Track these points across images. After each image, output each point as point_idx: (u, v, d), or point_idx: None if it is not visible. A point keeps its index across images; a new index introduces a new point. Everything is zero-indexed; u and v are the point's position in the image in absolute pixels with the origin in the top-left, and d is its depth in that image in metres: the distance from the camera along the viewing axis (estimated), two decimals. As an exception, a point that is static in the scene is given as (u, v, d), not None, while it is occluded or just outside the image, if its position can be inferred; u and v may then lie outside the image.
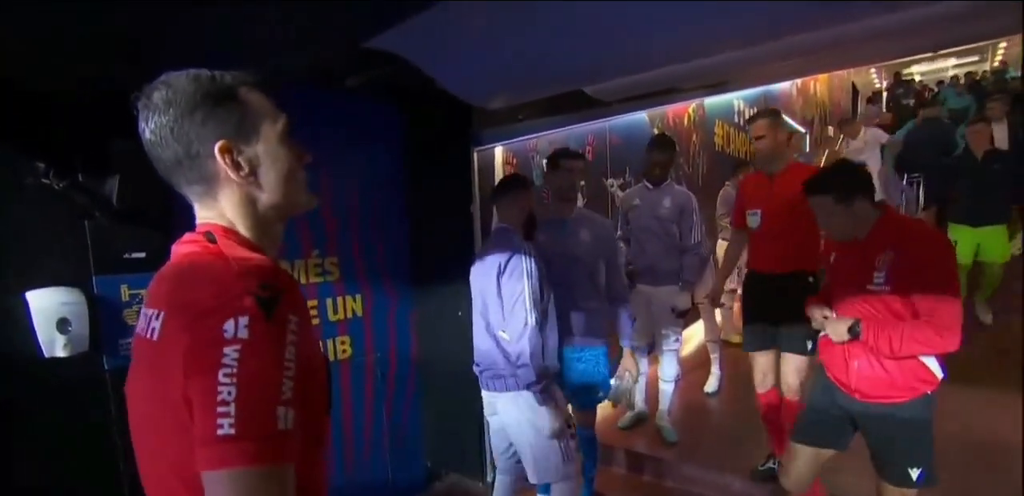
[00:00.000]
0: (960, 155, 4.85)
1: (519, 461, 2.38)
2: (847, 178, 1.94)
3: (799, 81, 8.60)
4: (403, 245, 3.09)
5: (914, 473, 1.92)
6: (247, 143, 0.85)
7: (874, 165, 6.77)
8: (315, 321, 2.78)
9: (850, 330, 1.91)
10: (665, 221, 3.23)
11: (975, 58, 14.65)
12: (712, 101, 5.44)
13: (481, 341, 2.22)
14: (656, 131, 4.42)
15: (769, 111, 2.71)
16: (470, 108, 2.61)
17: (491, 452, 3.10)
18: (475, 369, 2.30)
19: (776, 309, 2.61)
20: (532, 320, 2.06)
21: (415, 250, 3.09)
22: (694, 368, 4.46)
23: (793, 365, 2.63)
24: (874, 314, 1.91)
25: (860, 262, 1.91)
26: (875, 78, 15.52)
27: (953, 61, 14.74)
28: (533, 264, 2.11)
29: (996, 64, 13.19)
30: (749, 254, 2.79)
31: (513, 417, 2.18)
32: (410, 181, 3.06)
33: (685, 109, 4.99)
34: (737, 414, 3.76)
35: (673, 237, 3.23)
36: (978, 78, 11.45)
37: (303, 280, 2.73)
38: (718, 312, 4.73)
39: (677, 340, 3.37)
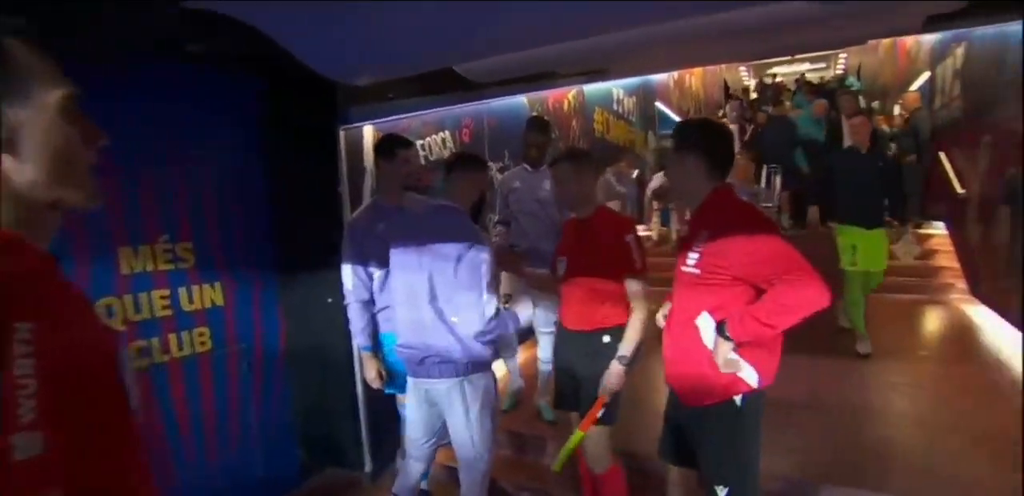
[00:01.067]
0: (845, 150, 4.39)
1: (436, 448, 2.32)
2: (696, 132, 1.79)
3: (675, 74, 9.06)
4: (266, 228, 2.90)
5: (721, 492, 1.71)
6: (8, 104, 0.72)
7: None
8: (167, 312, 2.55)
9: (719, 332, 1.64)
10: (545, 203, 3.27)
11: (823, 65, 16.40)
12: (591, 88, 5.59)
13: (428, 329, 2.05)
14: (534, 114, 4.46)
15: (575, 153, 2.28)
16: (335, 83, 2.48)
17: (369, 442, 3.02)
18: (407, 354, 2.15)
19: (579, 371, 2.21)
20: (501, 307, 2.02)
21: (279, 233, 2.92)
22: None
23: (594, 437, 2.21)
24: (683, 301, 1.75)
25: (687, 244, 1.75)
26: (744, 76, 16.75)
27: (808, 65, 16.39)
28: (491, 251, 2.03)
29: (838, 71, 15.08)
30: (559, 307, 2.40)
31: (457, 404, 2.10)
32: (272, 160, 2.87)
33: (564, 95, 5.08)
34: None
35: (554, 219, 3.27)
36: (823, 82, 12.85)
37: (150, 267, 2.49)
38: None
39: (556, 321, 3.43)
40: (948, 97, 6.03)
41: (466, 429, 2.11)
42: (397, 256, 2.13)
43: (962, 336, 4.49)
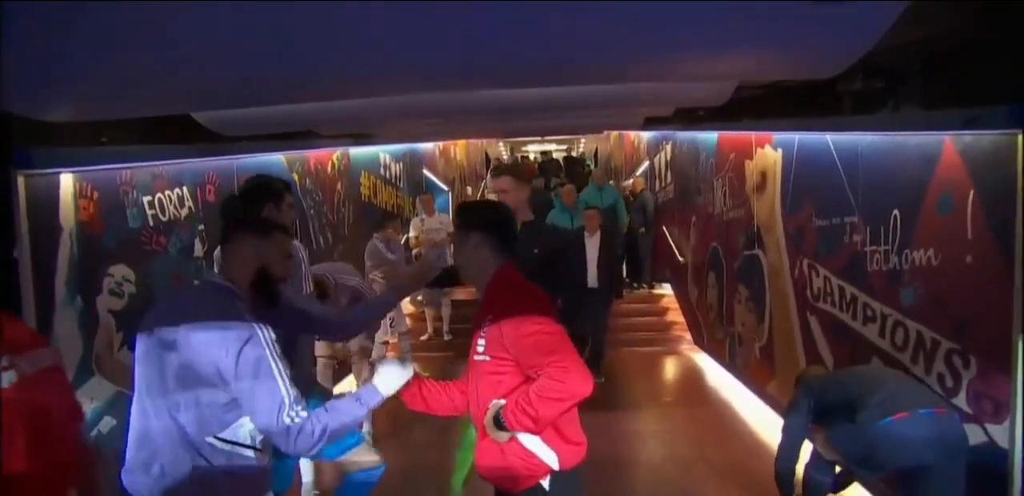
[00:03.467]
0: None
1: None
2: (477, 210, 1.85)
3: (441, 144, 9.45)
4: None
5: None
6: None
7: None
8: None
9: (496, 422, 1.58)
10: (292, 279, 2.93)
11: (567, 147, 19.30)
12: (358, 152, 5.45)
13: (173, 452, 1.48)
14: (296, 176, 4.15)
15: None
16: (9, 114, 1.91)
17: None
18: None
19: None
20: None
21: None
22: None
23: None
24: (476, 392, 1.66)
25: (476, 330, 1.69)
26: (503, 151, 18.50)
27: (554, 146, 18.96)
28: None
29: (579, 153, 18.08)
30: None
31: None
32: None
33: (329, 156, 4.85)
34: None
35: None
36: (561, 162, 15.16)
37: None
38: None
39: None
40: (664, 182, 7.24)
41: None
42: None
43: (694, 381, 5.19)
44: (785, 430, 2.59)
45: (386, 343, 4.81)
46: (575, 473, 1.68)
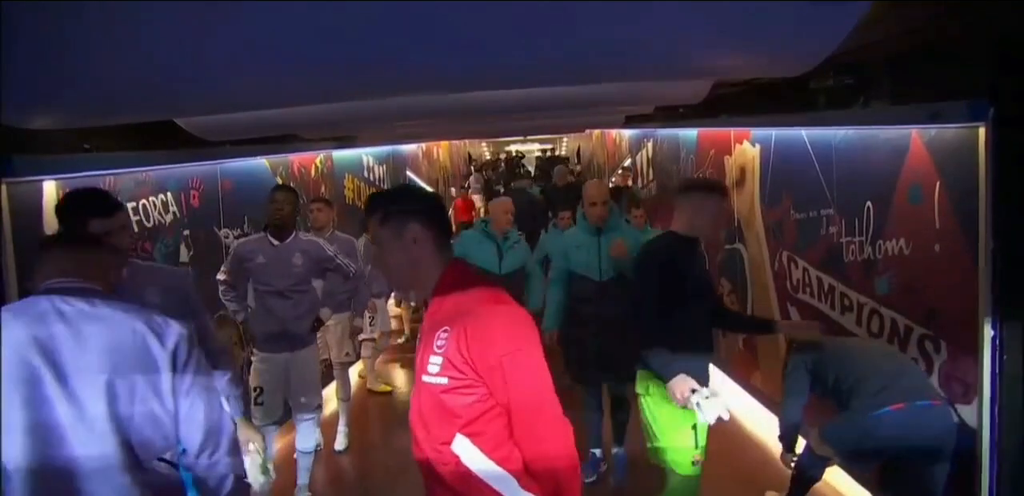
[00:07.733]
0: None
1: None
2: (404, 196, 1.47)
3: (423, 145, 9.46)
4: None
5: None
6: None
7: None
8: None
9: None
10: (300, 277, 3.04)
11: (550, 145, 19.37)
12: (341, 154, 5.46)
13: (96, 476, 1.28)
14: (279, 179, 4.16)
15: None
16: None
17: None
18: None
19: None
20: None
21: None
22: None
23: None
24: (429, 420, 1.34)
25: (426, 343, 1.35)
26: (485, 150, 18.57)
27: (538, 145, 19.10)
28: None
29: (562, 152, 18.31)
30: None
31: None
32: None
33: (312, 159, 4.86)
34: (372, 470, 3.62)
35: (313, 293, 3.14)
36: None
37: None
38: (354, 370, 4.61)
39: (319, 406, 3.19)
40: (646, 179, 7.32)
41: None
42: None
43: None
44: (786, 392, 2.54)
45: (373, 340, 4.82)
46: None
